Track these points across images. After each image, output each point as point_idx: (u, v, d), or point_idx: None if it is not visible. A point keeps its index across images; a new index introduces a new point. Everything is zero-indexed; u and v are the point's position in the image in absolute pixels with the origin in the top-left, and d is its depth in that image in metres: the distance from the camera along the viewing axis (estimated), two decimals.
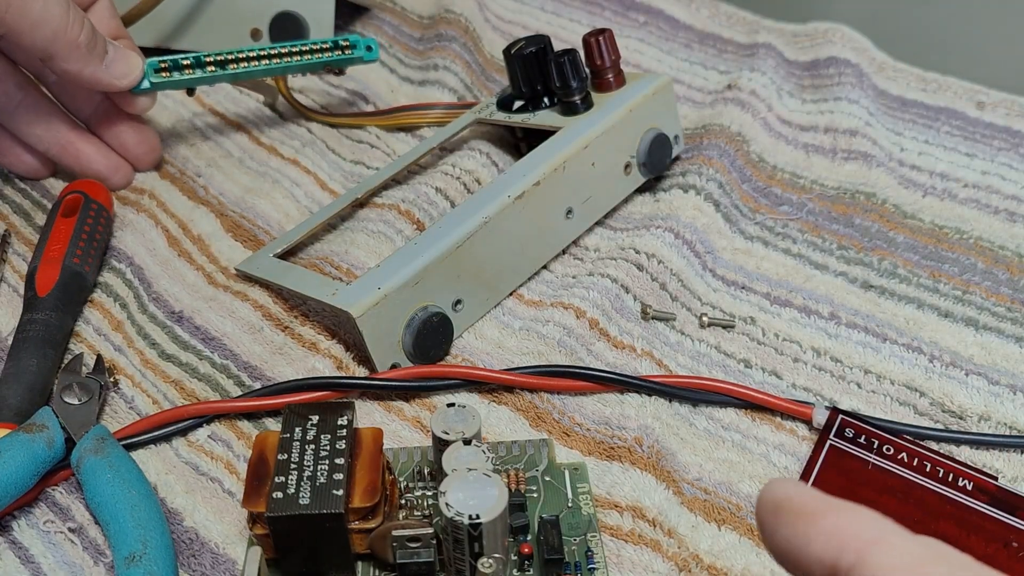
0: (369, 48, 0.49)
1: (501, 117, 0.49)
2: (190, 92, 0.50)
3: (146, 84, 0.46)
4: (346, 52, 0.49)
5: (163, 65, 0.46)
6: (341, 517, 0.30)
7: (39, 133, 0.47)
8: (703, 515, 0.35)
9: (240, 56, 0.47)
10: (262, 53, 0.47)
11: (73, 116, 0.49)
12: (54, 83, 0.48)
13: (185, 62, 0.46)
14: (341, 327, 0.41)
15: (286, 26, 0.55)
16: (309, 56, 0.48)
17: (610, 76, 0.46)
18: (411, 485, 0.35)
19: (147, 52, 0.48)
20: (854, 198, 0.49)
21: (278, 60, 0.48)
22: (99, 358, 0.39)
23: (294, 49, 0.48)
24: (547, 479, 0.35)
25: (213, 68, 0.47)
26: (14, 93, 0.46)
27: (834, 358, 0.41)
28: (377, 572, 0.32)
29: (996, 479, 0.34)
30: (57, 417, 0.35)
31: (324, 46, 0.48)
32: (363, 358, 0.40)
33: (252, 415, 0.38)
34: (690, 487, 0.36)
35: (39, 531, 0.34)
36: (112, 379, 0.39)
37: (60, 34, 0.41)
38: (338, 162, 0.52)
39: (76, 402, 0.36)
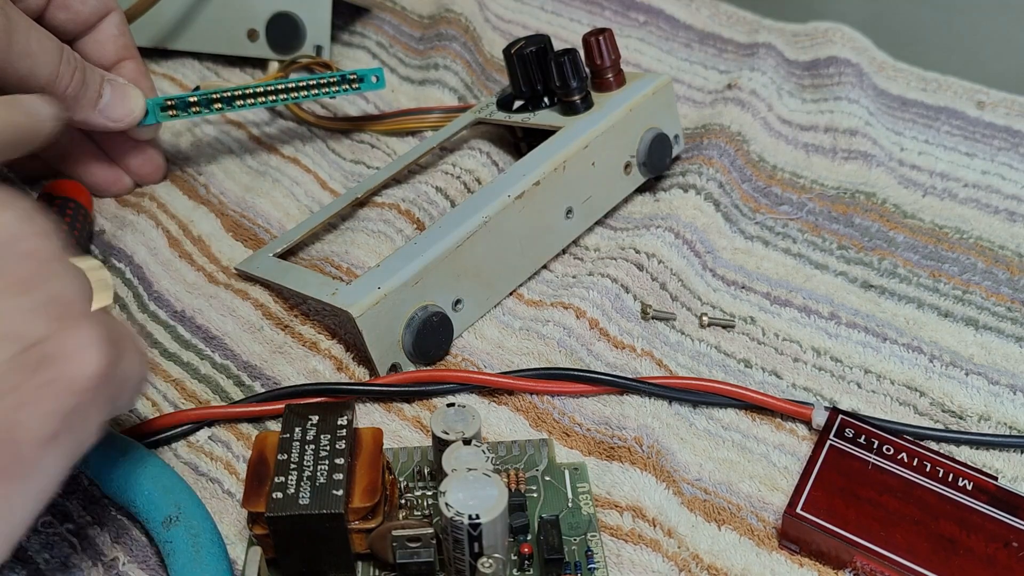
0: (376, 78, 0.48)
1: (501, 117, 0.49)
2: None
3: (151, 120, 0.46)
4: (353, 86, 0.48)
5: (169, 103, 0.46)
6: (341, 517, 0.30)
7: None
8: (703, 515, 0.35)
9: (247, 92, 0.47)
10: (268, 89, 0.47)
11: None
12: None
13: (192, 99, 0.46)
14: (341, 327, 0.41)
15: (283, 27, 0.55)
16: (316, 91, 0.48)
17: (610, 76, 0.46)
18: (411, 485, 0.35)
19: (144, 53, 0.48)
20: (854, 198, 0.49)
21: (285, 95, 0.47)
22: None
23: (301, 84, 0.47)
24: (547, 479, 0.35)
25: (220, 105, 0.47)
26: None
27: (834, 358, 0.41)
28: (377, 572, 0.32)
29: (996, 479, 0.34)
30: None
31: (331, 80, 0.48)
32: (363, 358, 0.40)
33: (252, 418, 0.38)
34: (690, 487, 0.36)
35: (37, 532, 0.34)
36: None
37: (48, 87, 0.40)
38: (338, 161, 0.52)
39: None
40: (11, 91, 0.39)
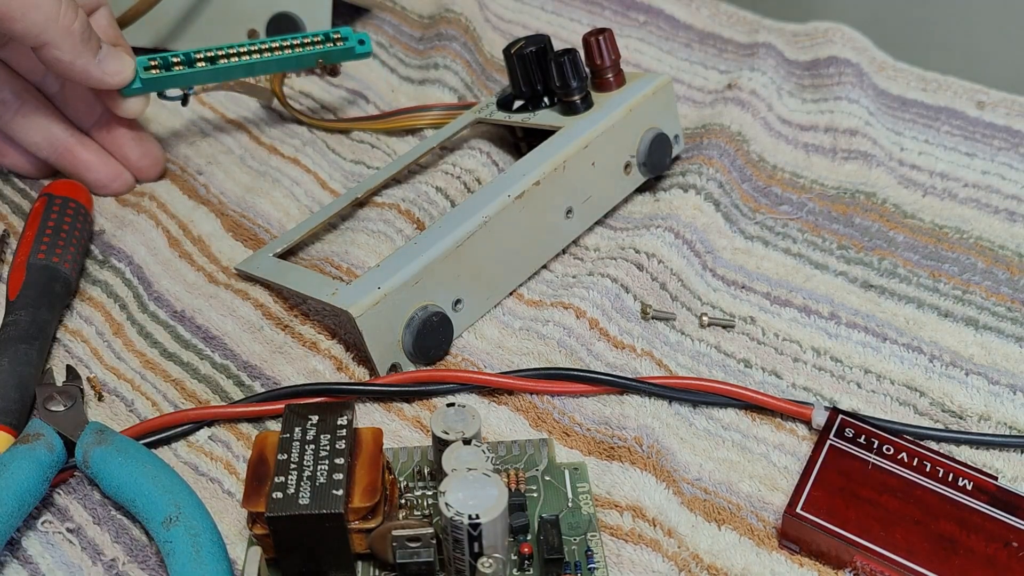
0: (361, 42, 0.48)
1: (501, 117, 0.49)
2: (184, 102, 0.48)
3: (137, 84, 0.45)
4: (337, 44, 0.48)
5: (152, 63, 0.46)
6: (341, 517, 0.30)
7: (37, 140, 0.47)
8: (703, 515, 0.35)
9: (231, 52, 0.46)
10: (252, 48, 0.47)
11: (74, 124, 0.48)
12: (56, 94, 0.48)
13: (175, 59, 0.46)
14: (341, 327, 0.41)
15: (283, 27, 0.55)
16: (300, 49, 0.48)
17: (610, 76, 0.46)
18: (411, 485, 0.35)
19: (144, 52, 0.48)
20: (854, 198, 0.49)
21: (269, 54, 0.47)
22: (69, 368, 0.39)
23: (285, 43, 0.47)
24: (547, 479, 0.35)
25: (203, 64, 0.46)
26: (11, 101, 0.46)
27: (834, 358, 0.41)
28: (377, 572, 0.32)
29: (996, 479, 0.34)
30: (49, 424, 0.35)
31: (315, 39, 0.48)
32: (363, 358, 0.40)
33: (252, 418, 0.38)
34: (690, 487, 0.36)
35: (37, 532, 0.34)
36: (97, 395, 0.39)
37: (52, 20, 0.41)
38: (338, 161, 0.52)
39: (62, 408, 0.36)
40: (16, 25, 0.40)
